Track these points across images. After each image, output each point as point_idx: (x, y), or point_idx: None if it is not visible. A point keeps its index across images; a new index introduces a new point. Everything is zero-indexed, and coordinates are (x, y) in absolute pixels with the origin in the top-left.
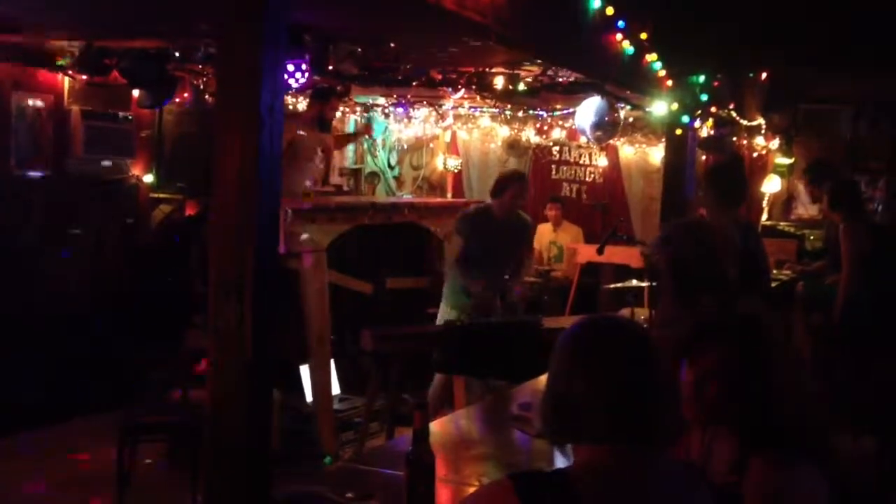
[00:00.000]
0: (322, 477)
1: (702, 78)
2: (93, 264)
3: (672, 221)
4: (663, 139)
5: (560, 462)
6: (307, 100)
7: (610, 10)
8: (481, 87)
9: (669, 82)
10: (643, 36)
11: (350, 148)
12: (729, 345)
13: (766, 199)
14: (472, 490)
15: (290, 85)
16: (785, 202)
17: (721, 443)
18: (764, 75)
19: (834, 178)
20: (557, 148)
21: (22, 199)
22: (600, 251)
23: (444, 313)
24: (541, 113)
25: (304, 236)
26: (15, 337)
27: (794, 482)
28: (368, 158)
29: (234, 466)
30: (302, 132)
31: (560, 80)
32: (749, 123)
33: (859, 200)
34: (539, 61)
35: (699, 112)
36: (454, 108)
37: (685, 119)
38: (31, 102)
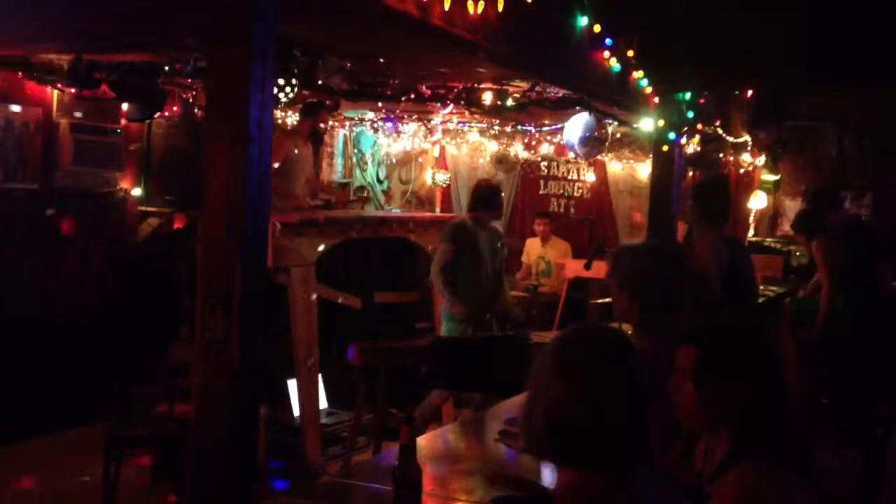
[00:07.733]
0: (308, 492)
1: (688, 95)
2: (79, 278)
3: (625, 245)
4: (650, 155)
5: (547, 477)
6: (297, 114)
7: (597, 28)
8: (470, 102)
9: (656, 99)
10: (630, 53)
11: (339, 162)
12: (697, 344)
13: (753, 215)
14: None
15: (279, 99)
16: (771, 218)
17: (718, 449)
18: (749, 93)
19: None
20: (546, 163)
21: (8, 212)
22: (588, 266)
23: (448, 329)
24: (529, 128)
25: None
26: None
27: (780, 489)
28: (357, 172)
29: (220, 480)
30: (296, 149)
31: (548, 95)
32: (735, 140)
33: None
34: (527, 77)
35: (685, 129)
36: (443, 122)
37: (671, 136)
38: (19, 115)
